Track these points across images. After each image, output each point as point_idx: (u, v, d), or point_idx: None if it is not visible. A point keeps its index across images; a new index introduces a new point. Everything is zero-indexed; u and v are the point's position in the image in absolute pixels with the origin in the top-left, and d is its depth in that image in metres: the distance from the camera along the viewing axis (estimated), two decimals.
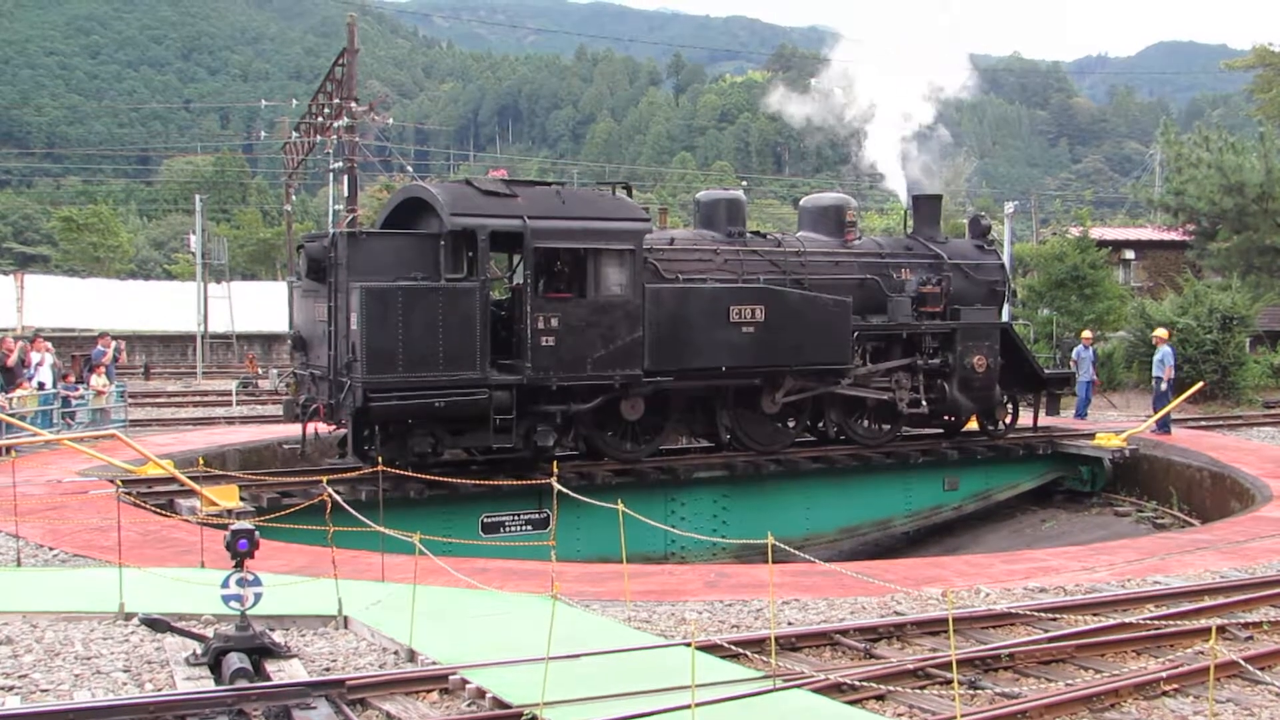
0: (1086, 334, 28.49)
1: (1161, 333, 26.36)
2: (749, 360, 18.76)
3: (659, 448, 19.57)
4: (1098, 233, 44.13)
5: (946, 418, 22.33)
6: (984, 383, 21.52)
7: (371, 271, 16.22)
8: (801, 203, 23.32)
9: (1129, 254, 47.59)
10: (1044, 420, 24.06)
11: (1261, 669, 9.11)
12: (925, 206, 23.15)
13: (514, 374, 16.89)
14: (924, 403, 21.14)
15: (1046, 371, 23.52)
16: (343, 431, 17.32)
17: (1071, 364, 27.09)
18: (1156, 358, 25.24)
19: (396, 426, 16.55)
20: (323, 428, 18.01)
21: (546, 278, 17.56)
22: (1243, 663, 8.68)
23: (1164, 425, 24.10)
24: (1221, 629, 10.11)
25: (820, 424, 21.11)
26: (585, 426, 18.32)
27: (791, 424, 20.59)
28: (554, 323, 17.00)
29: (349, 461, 17.26)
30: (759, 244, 20.21)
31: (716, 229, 20.08)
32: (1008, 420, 22.99)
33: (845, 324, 19.67)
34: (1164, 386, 24.71)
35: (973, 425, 22.99)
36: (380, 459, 15.06)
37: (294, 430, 23.04)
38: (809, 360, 19.39)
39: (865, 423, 21.34)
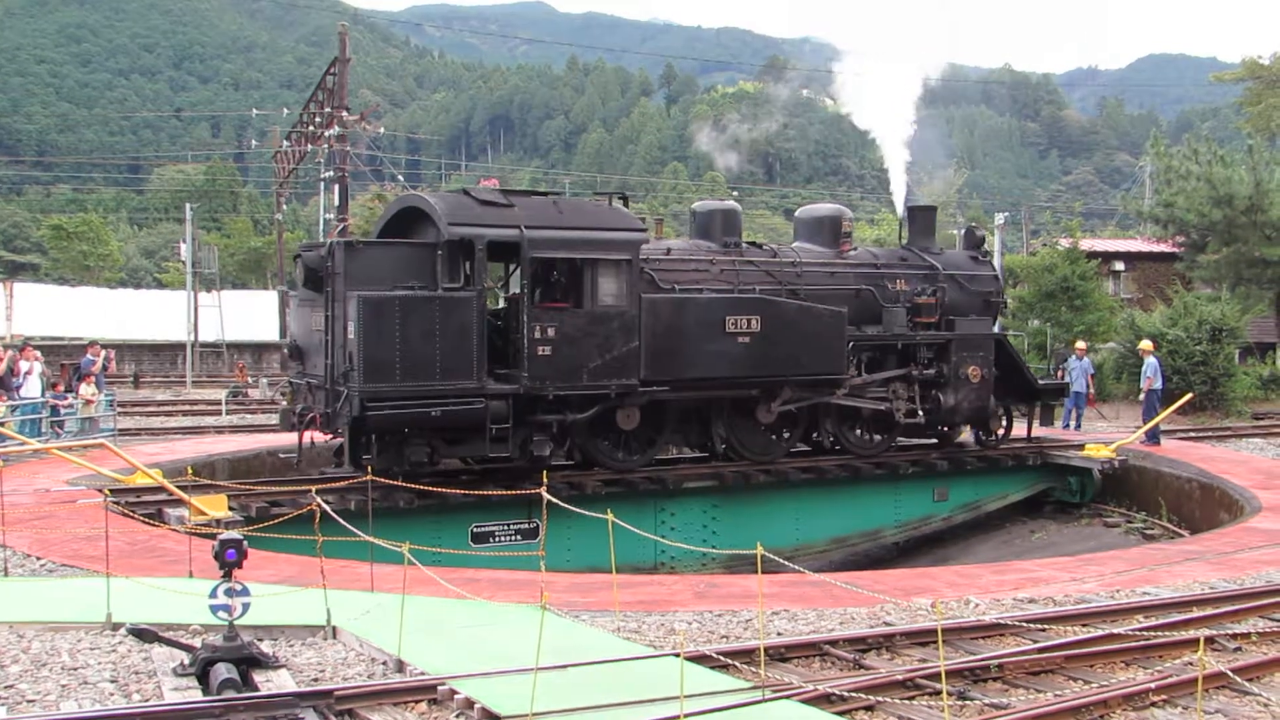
0: (1080, 344, 28.55)
1: (1147, 344, 26.46)
2: (745, 370, 18.77)
3: (654, 458, 19.57)
4: (1088, 244, 44.28)
5: (942, 428, 22.35)
6: (979, 393, 21.57)
7: (368, 281, 16.23)
8: (797, 213, 23.37)
9: (1119, 265, 47.68)
10: (1034, 431, 24.09)
11: (1250, 680, 9.12)
12: (920, 217, 23.23)
13: (510, 384, 16.90)
14: (920, 413, 21.18)
15: (1040, 382, 23.57)
16: (339, 441, 17.31)
17: (1059, 374, 27.13)
18: (1142, 369, 25.35)
19: (393, 436, 16.53)
20: (319, 437, 17.99)
21: (543, 288, 17.55)
22: (1231, 674, 8.70)
23: (1154, 436, 24.15)
24: (1210, 640, 10.13)
25: (815, 434, 21.15)
26: (581, 436, 18.33)
27: (787, 434, 20.62)
28: (550, 332, 17.00)
29: (345, 471, 17.25)
30: (755, 254, 20.23)
31: (712, 239, 20.10)
32: (1001, 431, 23.04)
33: (840, 334, 19.70)
34: (1141, 396, 24.92)
35: (964, 435, 23.01)
36: (370, 468, 15.04)
37: (284, 440, 23.07)
38: (804, 370, 19.40)
39: (859, 433, 21.37)
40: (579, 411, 17.63)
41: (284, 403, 19.23)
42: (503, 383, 16.89)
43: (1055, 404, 25.04)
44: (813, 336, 19.32)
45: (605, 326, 17.44)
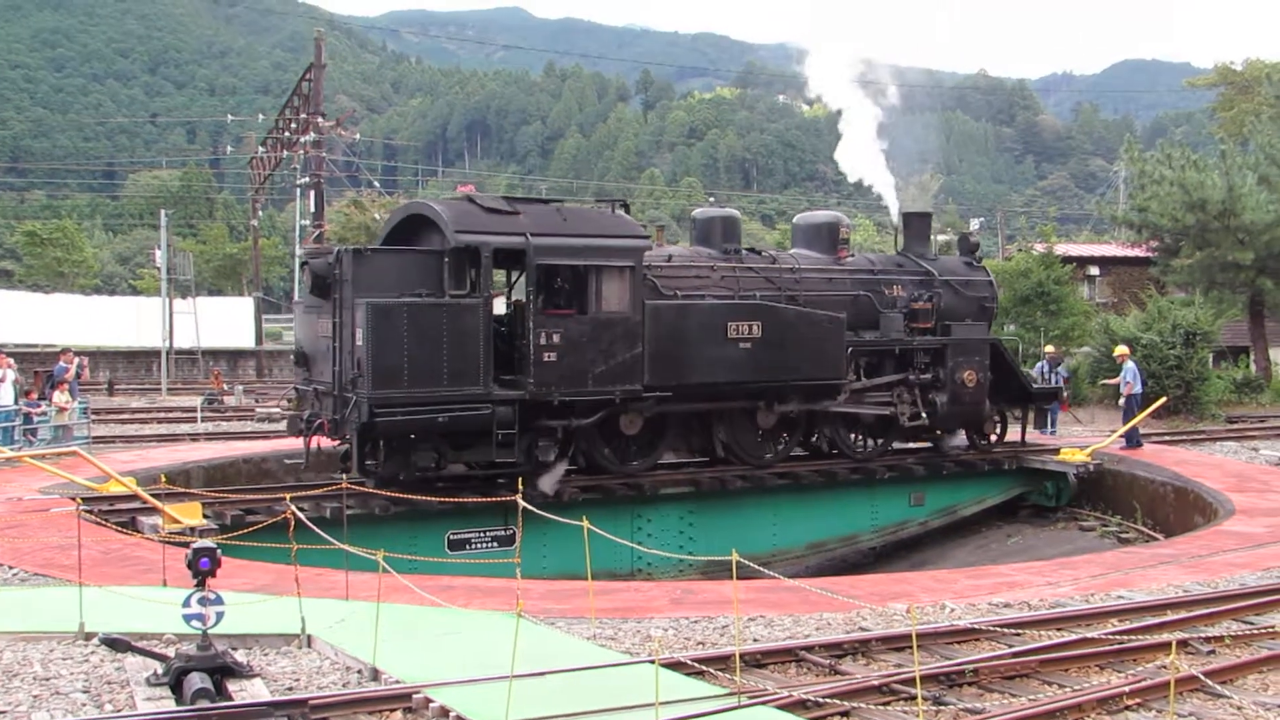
0: (1050, 348, 28.61)
1: (1123, 350, 26.53)
2: (746, 376, 18.95)
3: (657, 461, 19.72)
4: (1062, 249, 44.46)
5: (937, 432, 22.47)
6: (974, 397, 21.76)
7: (376, 288, 16.32)
8: (795, 220, 23.65)
9: (1093, 270, 47.97)
10: (1010, 436, 24.18)
11: (1222, 683, 9.17)
12: (915, 223, 23.50)
13: (516, 389, 16.98)
14: (924, 416, 21.39)
15: (1035, 386, 23.76)
16: (344, 446, 17.39)
17: (1055, 379, 27.16)
18: (1121, 374, 25.41)
19: (400, 441, 16.57)
20: (325, 442, 18.03)
21: (546, 294, 17.62)
22: (1202, 677, 8.74)
23: (1134, 441, 24.21)
24: (1183, 643, 10.19)
25: (814, 438, 21.36)
26: (585, 441, 18.41)
27: (785, 439, 20.76)
28: (556, 338, 17.13)
29: (353, 476, 17.33)
30: (754, 261, 20.42)
31: (712, 246, 20.30)
32: (996, 434, 23.21)
33: (839, 340, 19.89)
34: (1121, 401, 25.08)
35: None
36: (345, 477, 15.01)
37: (261, 447, 23.04)
38: (804, 375, 19.58)
39: (855, 437, 21.59)
40: (583, 417, 17.75)
41: (290, 408, 19.24)
42: (508, 388, 16.97)
43: (1048, 408, 25.27)
44: (812, 342, 19.52)
45: (609, 332, 17.58)
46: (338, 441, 17.61)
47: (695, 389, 18.60)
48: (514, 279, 19.00)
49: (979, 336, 22.15)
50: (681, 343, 18.21)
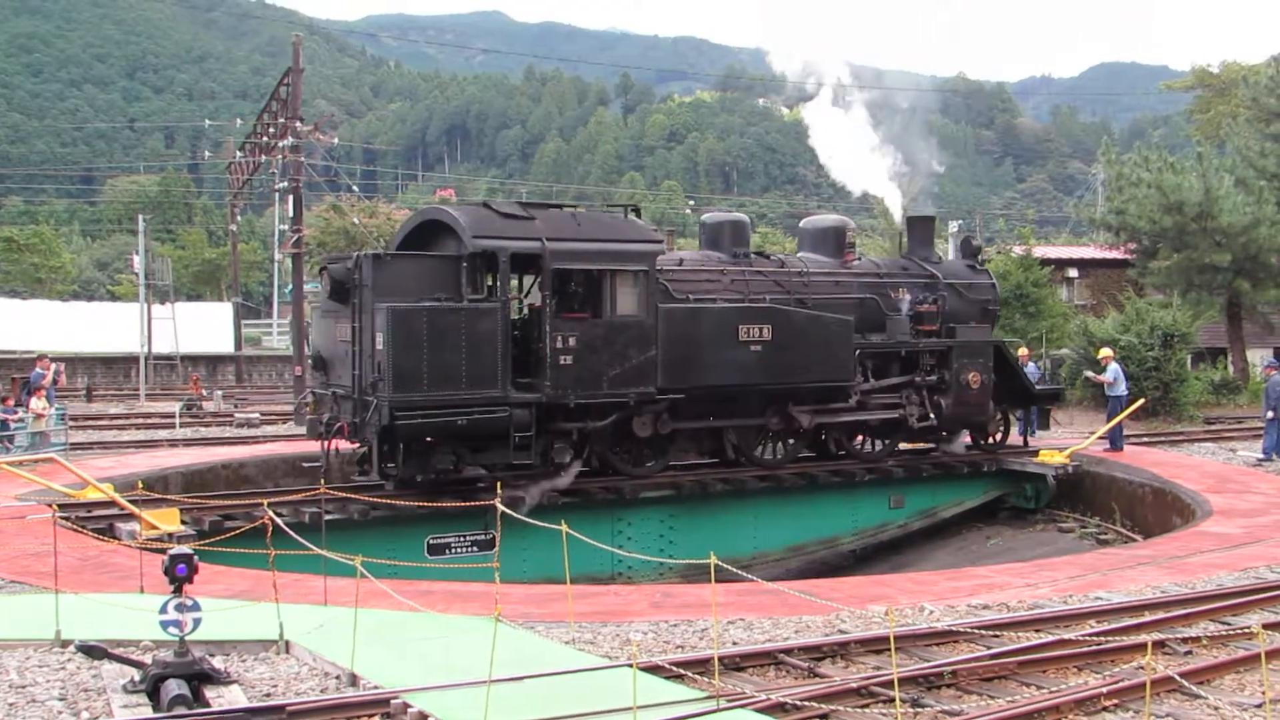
0: (1024, 350, 28.71)
1: (1108, 352, 26.61)
2: (757, 378, 19.16)
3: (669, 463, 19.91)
4: (1041, 251, 44.65)
5: (942, 433, 22.63)
6: (978, 399, 21.98)
7: (395, 293, 16.40)
8: (802, 224, 23.91)
9: (1072, 272, 48.13)
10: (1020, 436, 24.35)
11: (1199, 684, 9.19)
12: (919, 227, 23.75)
13: (533, 392, 17.07)
14: (932, 417, 21.61)
15: (1037, 387, 23.98)
16: (361, 450, 17.50)
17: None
18: (1107, 373, 25.47)
19: (419, 444, 16.60)
20: (342, 445, 18.08)
21: (562, 298, 17.71)
22: (1178, 678, 8.76)
23: (1118, 444, 24.26)
24: (1160, 644, 10.21)
25: (821, 436, 21.54)
26: (600, 443, 18.52)
27: (794, 440, 20.90)
28: (571, 342, 17.28)
29: (373, 479, 17.45)
30: (763, 264, 20.62)
31: (721, 250, 20.47)
32: (999, 436, 23.41)
33: (848, 342, 20.08)
34: (1106, 391, 25.21)
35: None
36: (323, 485, 14.96)
37: (239, 453, 22.97)
38: (814, 378, 19.80)
39: (863, 439, 21.88)
40: (598, 419, 17.88)
41: (308, 412, 19.34)
42: (525, 391, 17.06)
43: (1050, 408, 25.43)
44: (822, 344, 19.74)
45: (623, 336, 17.75)
46: (356, 444, 17.68)
47: (708, 391, 18.79)
48: (530, 284, 19.13)
49: (983, 339, 22.38)
50: (694, 345, 18.42)
